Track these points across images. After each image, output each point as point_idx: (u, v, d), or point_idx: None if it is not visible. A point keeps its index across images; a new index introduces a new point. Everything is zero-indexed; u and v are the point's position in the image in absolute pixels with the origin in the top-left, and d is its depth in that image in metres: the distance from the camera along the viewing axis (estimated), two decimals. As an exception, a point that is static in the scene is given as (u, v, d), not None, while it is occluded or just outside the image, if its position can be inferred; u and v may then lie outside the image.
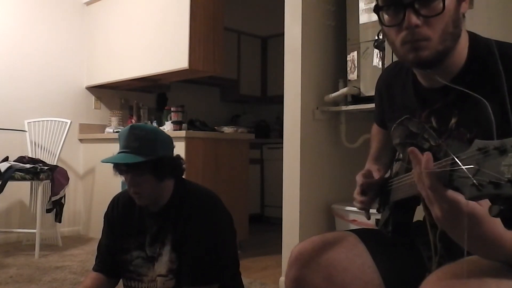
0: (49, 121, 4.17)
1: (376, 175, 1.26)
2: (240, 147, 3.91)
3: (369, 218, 1.32)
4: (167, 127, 3.83)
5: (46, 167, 3.68)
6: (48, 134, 4.15)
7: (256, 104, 6.12)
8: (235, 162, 3.82)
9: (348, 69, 2.68)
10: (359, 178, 1.27)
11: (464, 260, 0.85)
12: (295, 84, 2.68)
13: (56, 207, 3.75)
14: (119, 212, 1.84)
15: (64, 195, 3.82)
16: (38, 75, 4.38)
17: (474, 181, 0.64)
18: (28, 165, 3.61)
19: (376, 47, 2.43)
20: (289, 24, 2.74)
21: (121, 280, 1.86)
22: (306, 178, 2.67)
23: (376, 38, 2.38)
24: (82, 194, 4.58)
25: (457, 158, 0.69)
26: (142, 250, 1.77)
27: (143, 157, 1.61)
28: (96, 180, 4.42)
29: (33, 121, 4.18)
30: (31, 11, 4.37)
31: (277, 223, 3.12)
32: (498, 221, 0.73)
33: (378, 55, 2.47)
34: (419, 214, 1.16)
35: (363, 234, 1.21)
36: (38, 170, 3.60)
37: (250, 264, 3.32)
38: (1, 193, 3.40)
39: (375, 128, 1.43)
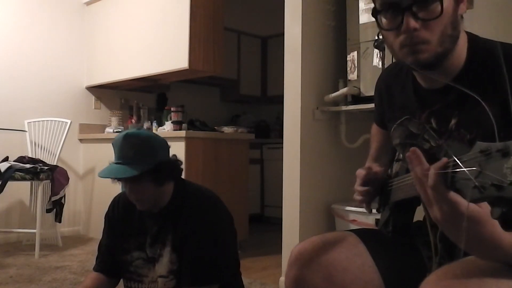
0: (49, 121, 4.17)
1: (377, 170, 1.25)
2: (240, 147, 3.91)
3: (370, 211, 1.30)
4: (167, 127, 3.84)
5: (46, 167, 3.68)
6: (48, 134, 4.15)
7: (256, 104, 6.11)
8: (235, 162, 3.82)
9: (348, 69, 2.68)
10: (360, 172, 1.26)
11: (464, 260, 0.85)
12: (295, 84, 2.68)
13: (56, 207, 3.75)
14: (120, 212, 1.84)
15: (64, 195, 3.82)
16: (38, 75, 4.38)
17: (476, 183, 0.63)
18: (28, 165, 3.61)
19: (376, 47, 2.43)
20: (289, 24, 2.74)
21: (121, 280, 1.86)
22: (306, 178, 2.67)
23: (376, 38, 2.38)
24: (82, 194, 4.58)
25: (459, 160, 0.68)
26: (143, 251, 1.77)
27: (140, 167, 1.59)
28: (96, 180, 4.41)
29: (33, 121, 4.18)
30: (31, 11, 4.37)
31: (277, 223, 3.12)
32: (496, 223, 0.73)
33: (378, 55, 2.47)
34: (419, 214, 1.16)
35: (363, 234, 1.21)
36: (38, 170, 3.60)
37: (250, 264, 3.32)
38: (1, 193, 3.40)
39: (375, 128, 1.43)
